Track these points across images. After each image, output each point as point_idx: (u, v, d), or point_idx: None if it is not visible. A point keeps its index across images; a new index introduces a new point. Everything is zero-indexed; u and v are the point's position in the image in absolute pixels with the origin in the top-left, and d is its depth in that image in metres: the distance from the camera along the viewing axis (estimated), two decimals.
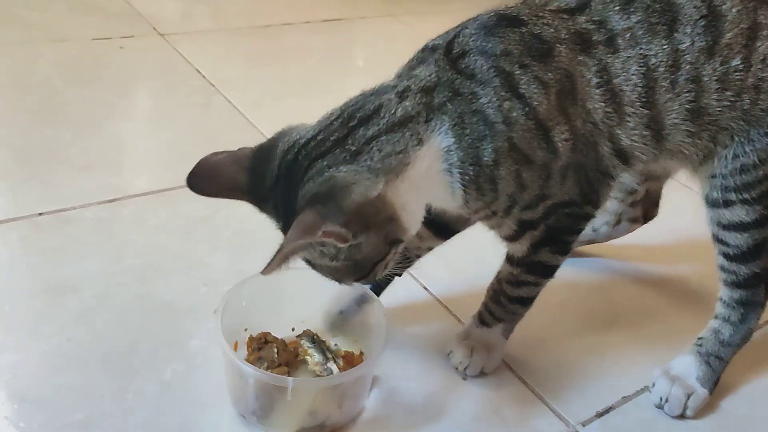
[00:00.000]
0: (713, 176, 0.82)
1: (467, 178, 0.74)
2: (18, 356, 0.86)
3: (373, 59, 1.89)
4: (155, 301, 0.97)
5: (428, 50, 0.79)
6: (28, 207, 1.11)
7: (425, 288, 1.05)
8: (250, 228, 1.13)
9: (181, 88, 1.57)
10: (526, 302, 0.89)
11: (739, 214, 0.82)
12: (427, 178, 0.74)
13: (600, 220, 1.12)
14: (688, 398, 0.88)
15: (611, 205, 1.09)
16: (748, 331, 0.91)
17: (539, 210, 0.79)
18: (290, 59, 1.79)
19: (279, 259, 0.68)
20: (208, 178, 0.78)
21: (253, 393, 0.80)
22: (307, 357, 0.87)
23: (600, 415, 0.88)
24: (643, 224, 1.11)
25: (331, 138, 0.73)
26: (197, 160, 0.78)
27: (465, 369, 0.91)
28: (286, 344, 0.87)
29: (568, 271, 1.10)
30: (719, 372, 0.91)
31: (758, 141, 0.79)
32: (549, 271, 0.86)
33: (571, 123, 0.76)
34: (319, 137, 0.74)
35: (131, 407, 0.81)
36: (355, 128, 0.73)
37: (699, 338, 0.92)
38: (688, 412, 0.88)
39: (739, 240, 0.83)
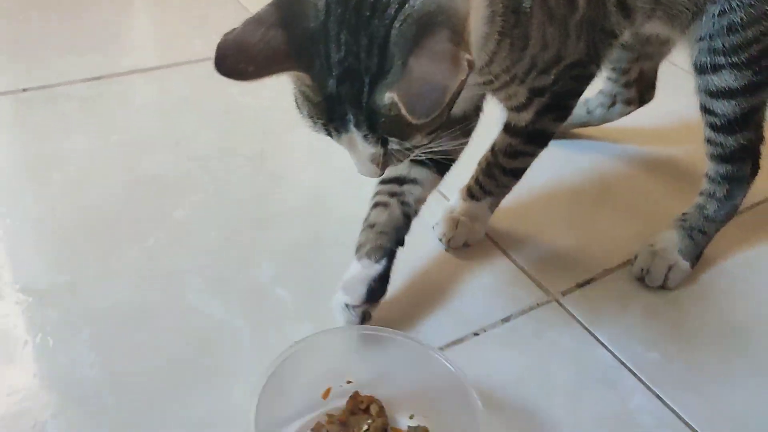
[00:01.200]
0: (701, 39, 0.79)
1: (507, 26, 0.66)
2: (3, 222, 0.87)
3: None
4: (140, 175, 0.97)
5: None
6: (12, 83, 1.10)
7: None
8: (237, 106, 1.13)
9: None
10: (519, 174, 0.88)
11: (727, 79, 0.80)
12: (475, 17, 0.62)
13: (594, 102, 1.10)
14: (669, 270, 0.89)
15: (606, 86, 1.07)
16: (733, 207, 0.90)
17: (551, 75, 0.76)
18: None
19: (442, 102, 0.53)
20: (238, 55, 0.57)
21: None
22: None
23: (580, 285, 0.89)
24: (638, 107, 1.09)
25: None
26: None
27: (449, 241, 0.91)
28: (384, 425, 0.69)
29: (560, 151, 1.11)
30: (702, 246, 0.91)
31: None
32: (546, 139, 0.85)
33: None
34: None
35: (115, 271, 0.83)
36: None
37: (684, 214, 0.92)
38: (669, 284, 0.89)
39: (726, 108, 0.81)
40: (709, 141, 0.86)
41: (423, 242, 0.91)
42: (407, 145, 0.60)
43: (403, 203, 0.81)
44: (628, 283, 0.90)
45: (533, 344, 0.81)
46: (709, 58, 0.79)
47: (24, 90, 1.08)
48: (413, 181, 0.82)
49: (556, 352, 0.80)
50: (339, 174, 1.00)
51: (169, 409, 0.69)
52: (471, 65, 0.54)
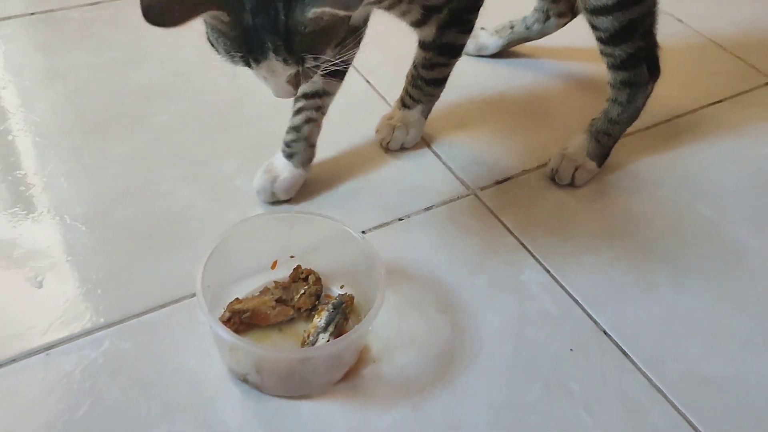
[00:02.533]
0: None
1: None
2: (14, 121, 1.05)
3: None
4: (129, 87, 1.13)
5: None
6: (22, 8, 1.26)
7: (367, 81, 1.19)
8: None
9: None
10: (440, 83, 1.03)
11: (622, 40, 0.94)
12: None
13: (531, 18, 1.23)
14: (576, 170, 1.04)
15: (538, 3, 1.20)
16: (635, 110, 1.04)
17: None
18: None
19: None
20: (163, 3, 0.63)
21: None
22: (316, 317, 0.80)
23: (498, 182, 1.04)
24: (571, 18, 1.21)
25: None
26: None
27: (387, 144, 1.07)
28: (317, 291, 0.84)
29: (502, 68, 1.25)
30: (608, 148, 1.05)
31: None
32: (456, 50, 0.98)
33: None
34: None
35: (104, 163, 1.00)
36: None
37: (592, 119, 1.06)
38: (576, 182, 1.04)
39: (606, 23, 0.93)
40: (601, 52, 0.98)
41: (364, 146, 1.07)
42: (320, 61, 0.68)
43: (323, 114, 0.97)
44: (541, 181, 1.05)
45: (448, 228, 0.96)
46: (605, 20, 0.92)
47: (32, 14, 1.24)
48: (327, 93, 0.96)
49: (467, 235, 0.96)
50: None
51: (143, 264, 0.87)
52: None
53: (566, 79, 1.26)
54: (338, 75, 0.95)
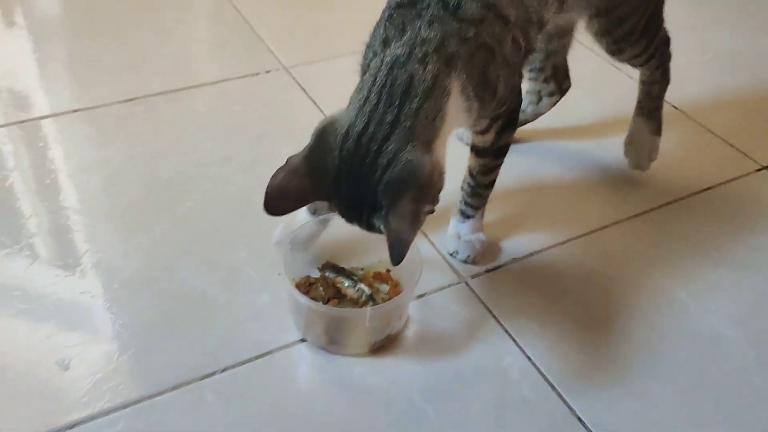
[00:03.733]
0: (600, 33, 1.12)
1: (479, 97, 0.89)
2: (58, 211, 1.17)
3: None
4: (154, 179, 1.24)
5: (406, 6, 0.88)
6: (67, 105, 1.40)
7: None
8: (239, 122, 1.39)
9: (199, 2, 1.81)
10: (493, 183, 1.10)
11: (633, 51, 1.16)
12: (454, 117, 0.87)
13: (525, 102, 1.32)
14: (650, 151, 1.28)
15: (529, 86, 1.31)
16: (668, 79, 1.25)
17: (505, 101, 0.97)
18: None
19: (404, 249, 0.79)
20: (280, 200, 0.85)
21: (324, 325, 0.98)
22: (339, 285, 1.03)
23: (489, 271, 1.12)
24: (561, 96, 1.32)
25: (386, 120, 0.82)
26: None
27: (473, 260, 1.12)
28: (327, 281, 1.04)
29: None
30: (660, 118, 1.29)
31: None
32: (507, 149, 1.06)
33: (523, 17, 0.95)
34: (374, 122, 0.82)
35: (130, 249, 1.11)
36: (401, 106, 0.82)
37: (638, 102, 1.27)
38: (651, 162, 1.30)
39: (640, 60, 1.19)
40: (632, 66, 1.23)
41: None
42: None
43: None
44: (529, 270, 1.12)
45: (439, 315, 1.04)
46: (615, 47, 1.15)
47: (75, 111, 1.39)
48: None
49: (455, 322, 1.03)
50: None
51: (160, 347, 0.97)
52: (431, 211, 0.83)
53: (557, 165, 1.34)
54: None
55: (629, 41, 1.14)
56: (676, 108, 1.49)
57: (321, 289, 1.03)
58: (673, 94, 1.40)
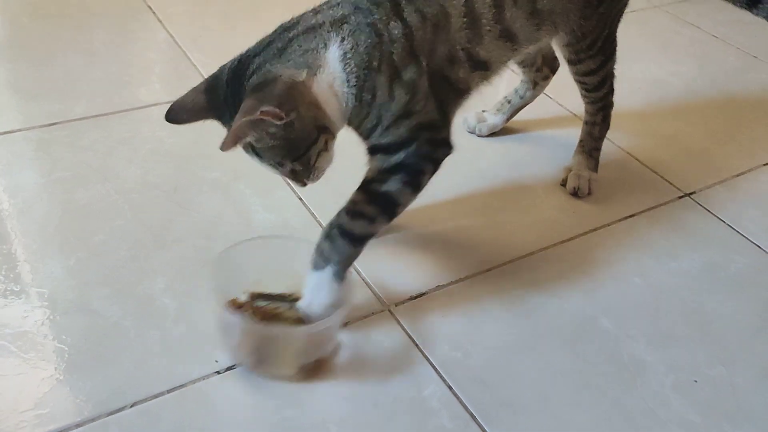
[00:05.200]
0: (566, 45, 1.22)
1: (359, 82, 0.93)
2: None
3: None
4: (73, 205, 1.20)
5: None
6: None
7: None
8: (164, 147, 1.36)
9: (132, 24, 1.77)
10: (361, 243, 0.99)
11: (588, 65, 1.26)
12: (334, 83, 0.93)
13: (522, 88, 1.46)
14: (589, 182, 1.35)
15: (524, 76, 1.45)
16: (608, 125, 1.38)
17: (401, 130, 0.97)
18: None
19: (231, 138, 0.87)
20: (178, 111, 0.98)
21: (254, 345, 0.96)
22: (275, 312, 1.00)
23: (413, 298, 1.11)
24: (553, 75, 1.45)
25: (264, 42, 0.96)
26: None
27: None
28: (257, 309, 1.00)
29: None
30: (598, 158, 1.39)
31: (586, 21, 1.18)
32: (392, 208, 1.00)
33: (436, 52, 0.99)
34: (254, 46, 0.96)
35: (39, 281, 1.06)
36: (280, 33, 0.96)
37: (580, 142, 1.38)
38: (590, 191, 1.36)
39: (592, 80, 1.29)
40: (584, 96, 1.34)
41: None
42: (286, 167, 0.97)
43: None
44: (453, 298, 1.11)
45: (361, 345, 1.02)
46: (575, 56, 1.24)
47: None
48: None
49: (378, 352, 1.02)
50: (234, 206, 1.23)
51: (71, 381, 0.93)
52: (275, 116, 0.87)
53: (483, 192, 1.34)
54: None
55: (589, 53, 1.25)
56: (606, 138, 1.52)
57: (250, 311, 1.00)
58: None
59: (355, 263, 1.13)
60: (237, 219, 1.21)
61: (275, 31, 0.97)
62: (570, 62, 1.27)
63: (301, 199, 1.27)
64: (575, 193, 1.34)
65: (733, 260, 1.24)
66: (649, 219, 1.32)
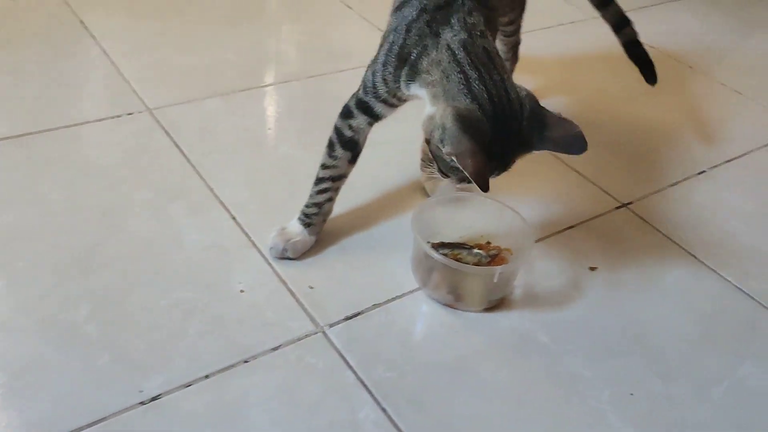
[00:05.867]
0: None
1: None
2: None
3: (246, 10, 2.03)
4: None
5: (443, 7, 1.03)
6: None
7: (233, 217, 1.25)
8: (94, 167, 1.32)
9: (64, 40, 1.72)
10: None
11: (510, 16, 1.49)
12: None
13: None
14: None
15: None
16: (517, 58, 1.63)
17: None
18: (172, 10, 1.92)
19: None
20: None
21: (451, 285, 1.10)
22: (459, 256, 1.15)
23: (348, 318, 1.08)
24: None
25: (496, 80, 0.99)
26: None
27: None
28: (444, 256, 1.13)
29: (360, 195, 1.30)
30: None
31: None
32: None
33: None
34: (491, 88, 0.98)
35: None
36: (495, 68, 1.00)
37: None
38: None
39: (511, 28, 1.53)
40: (501, 41, 1.53)
41: (220, 284, 1.11)
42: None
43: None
44: (389, 317, 1.09)
45: (293, 369, 0.99)
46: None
47: None
48: (345, 176, 1.17)
49: (310, 376, 0.99)
50: (166, 228, 1.20)
51: None
52: None
53: None
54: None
55: (509, 7, 1.46)
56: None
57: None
58: None
59: (288, 283, 1.12)
60: (168, 241, 1.17)
61: (478, 65, 0.99)
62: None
63: (234, 218, 1.24)
64: None
65: (669, 271, 1.25)
66: (587, 231, 1.32)
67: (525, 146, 0.99)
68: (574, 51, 1.97)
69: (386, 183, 1.37)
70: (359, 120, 1.11)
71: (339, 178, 1.16)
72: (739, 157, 1.61)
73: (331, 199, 1.18)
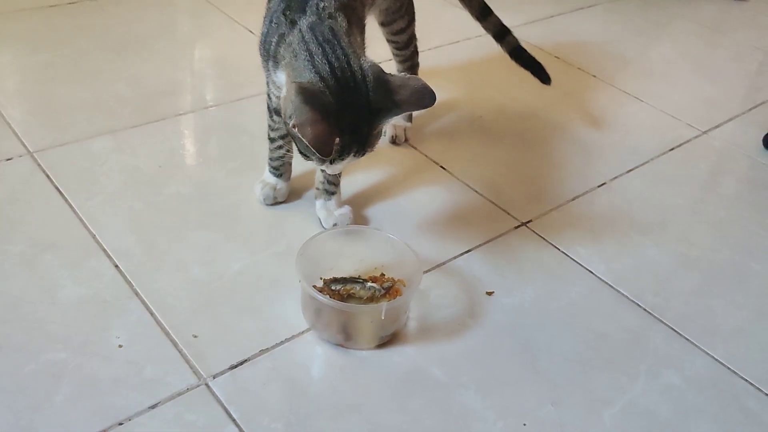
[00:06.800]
0: (385, 9, 1.42)
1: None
2: None
3: (137, 39, 1.96)
4: None
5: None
6: None
7: (116, 265, 1.19)
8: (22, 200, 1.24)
9: None
10: None
11: (399, 24, 1.46)
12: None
13: None
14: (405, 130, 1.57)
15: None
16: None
17: None
18: (63, 43, 1.84)
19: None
20: (324, 146, 1.01)
21: (340, 324, 1.07)
22: (352, 291, 1.12)
23: (233, 367, 1.04)
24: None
25: (339, 56, 1.04)
26: None
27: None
28: (334, 292, 1.12)
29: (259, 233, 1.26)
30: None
31: None
32: None
33: None
34: (334, 61, 1.03)
35: None
36: (340, 43, 1.06)
37: None
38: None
39: (402, 38, 1.49)
40: (396, 56, 1.54)
41: (96, 341, 1.05)
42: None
43: None
44: (277, 362, 1.05)
45: (170, 428, 0.94)
46: (389, 18, 1.45)
47: None
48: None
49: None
50: (39, 282, 1.13)
51: None
52: None
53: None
54: None
55: (399, 14, 1.46)
56: (443, 168, 1.51)
57: (328, 296, 1.08)
58: (440, 155, 1.41)
59: (171, 333, 1.07)
60: (40, 297, 1.10)
61: (323, 43, 1.05)
62: (384, 24, 1.46)
63: (117, 266, 1.18)
64: (394, 142, 1.56)
65: (566, 291, 1.24)
66: (485, 253, 1.30)
67: (377, 115, 1.03)
68: (475, 66, 1.97)
69: (278, 214, 1.33)
70: (272, 90, 1.21)
71: (287, 134, 1.26)
72: (639, 166, 1.62)
73: (289, 150, 1.31)
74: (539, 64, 1.60)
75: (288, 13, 1.08)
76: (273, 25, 1.11)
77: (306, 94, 0.98)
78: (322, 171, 1.22)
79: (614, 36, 2.29)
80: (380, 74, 1.03)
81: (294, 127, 0.98)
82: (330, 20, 1.07)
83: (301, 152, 1.06)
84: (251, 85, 1.71)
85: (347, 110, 1.01)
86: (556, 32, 2.24)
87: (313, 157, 1.04)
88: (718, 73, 2.14)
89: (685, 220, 1.47)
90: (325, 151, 0.98)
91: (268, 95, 1.26)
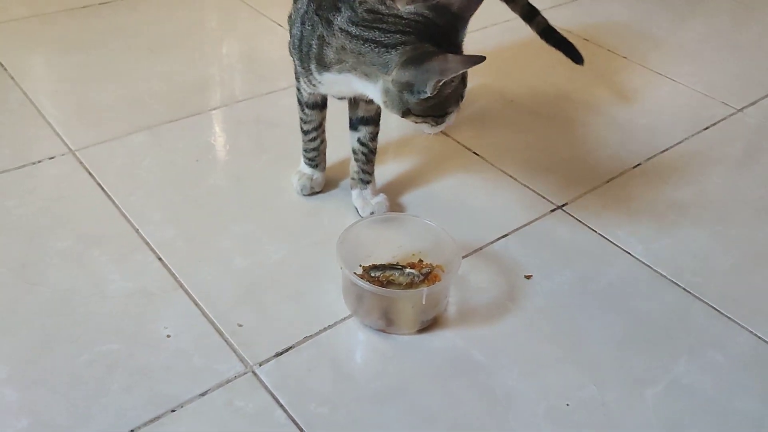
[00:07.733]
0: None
1: None
2: None
3: (165, 40, 1.99)
4: None
5: None
6: None
7: (159, 258, 1.22)
8: (12, 218, 1.27)
9: None
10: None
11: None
12: None
13: None
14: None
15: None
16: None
17: None
18: (95, 43, 1.88)
19: None
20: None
21: (382, 309, 1.09)
22: (391, 278, 1.13)
23: (278, 354, 1.06)
24: None
25: None
26: None
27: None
28: (374, 279, 1.13)
29: (297, 226, 1.28)
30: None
31: None
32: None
33: None
34: None
35: None
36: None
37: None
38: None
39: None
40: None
41: (137, 334, 1.08)
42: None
43: None
44: (321, 349, 1.07)
45: (221, 415, 0.96)
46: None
47: None
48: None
49: (239, 420, 0.96)
50: (88, 277, 1.16)
51: None
52: None
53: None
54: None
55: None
56: (477, 154, 1.52)
57: (368, 281, 1.10)
58: (473, 141, 1.41)
59: (216, 323, 1.10)
60: (91, 291, 1.14)
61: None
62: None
63: (160, 259, 1.21)
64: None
65: (604, 272, 1.24)
66: (521, 237, 1.31)
67: (459, 37, 1.05)
68: (504, 51, 1.97)
69: (315, 204, 1.35)
70: (302, 85, 1.22)
71: (320, 125, 1.31)
72: (674, 146, 1.61)
73: (323, 141, 1.34)
74: (570, 43, 1.59)
75: (321, 12, 1.06)
76: (308, 27, 1.09)
77: (412, 61, 0.98)
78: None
79: (642, 15, 2.27)
80: (426, 4, 1.03)
81: (437, 86, 0.97)
82: (361, 6, 1.04)
83: (437, 121, 1.06)
84: (279, 79, 1.73)
85: (450, 50, 1.01)
86: (583, 14, 2.22)
87: (448, 114, 1.06)
88: (751, 50, 2.10)
89: (722, 199, 1.46)
90: (475, 57, 0.96)
91: (298, 89, 1.26)
